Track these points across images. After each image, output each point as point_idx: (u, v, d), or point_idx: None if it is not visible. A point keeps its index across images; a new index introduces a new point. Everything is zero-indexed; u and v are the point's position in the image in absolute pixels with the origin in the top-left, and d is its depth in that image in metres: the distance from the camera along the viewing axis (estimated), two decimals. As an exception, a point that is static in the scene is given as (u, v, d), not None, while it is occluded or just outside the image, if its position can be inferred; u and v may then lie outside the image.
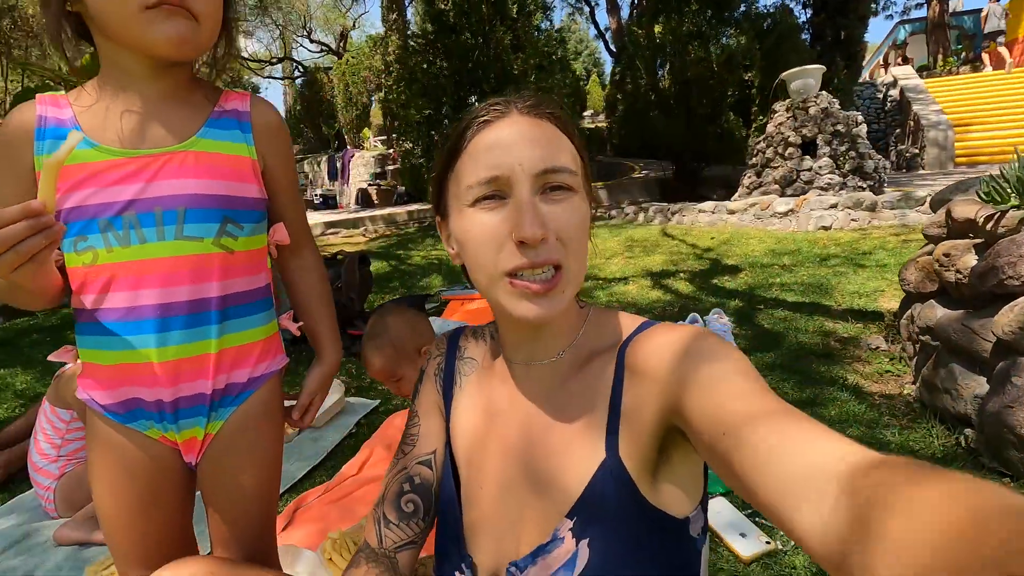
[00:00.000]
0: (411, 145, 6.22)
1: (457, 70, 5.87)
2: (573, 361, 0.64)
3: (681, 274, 3.87)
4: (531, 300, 0.57)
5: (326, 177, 14.90)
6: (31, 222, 0.57)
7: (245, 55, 19.63)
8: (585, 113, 16.54)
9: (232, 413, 0.82)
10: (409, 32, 6.49)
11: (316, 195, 14.06)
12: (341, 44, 19.50)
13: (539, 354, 0.65)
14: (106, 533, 0.83)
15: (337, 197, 13.65)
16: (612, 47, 14.29)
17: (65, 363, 1.09)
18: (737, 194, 6.40)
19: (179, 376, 0.77)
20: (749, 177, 6.26)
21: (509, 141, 0.58)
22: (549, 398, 0.64)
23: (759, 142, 6.28)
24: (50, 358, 0.83)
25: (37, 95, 0.75)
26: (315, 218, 8.90)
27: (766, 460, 0.42)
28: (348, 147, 15.34)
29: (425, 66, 6.01)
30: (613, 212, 6.89)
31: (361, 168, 13.46)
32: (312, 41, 20.25)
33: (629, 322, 0.65)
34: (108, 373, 0.77)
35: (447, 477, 0.70)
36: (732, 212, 5.45)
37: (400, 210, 8.78)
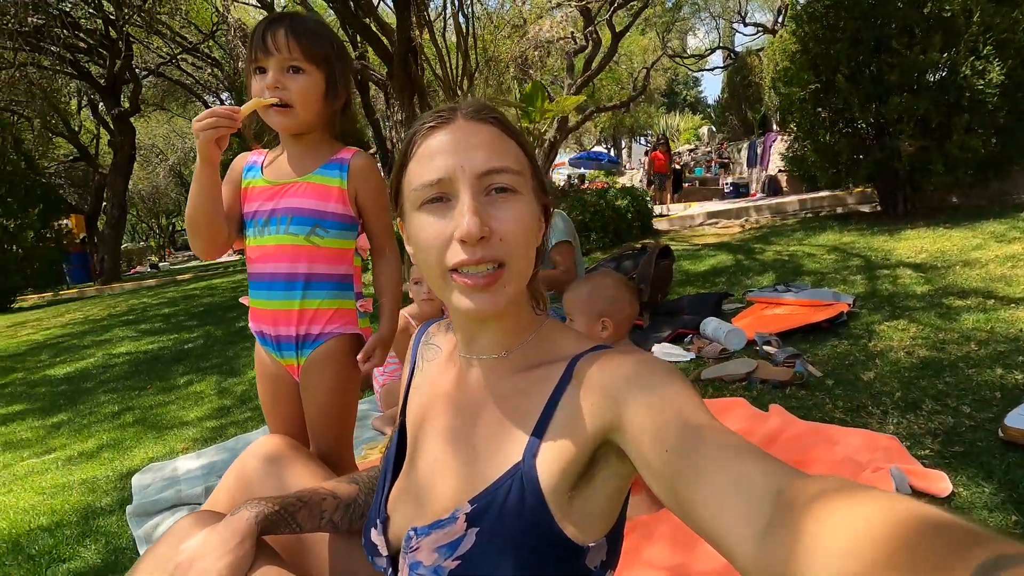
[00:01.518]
0: (794, 126, 5.50)
1: (857, 29, 4.83)
2: (518, 363, 0.68)
3: None
4: (470, 295, 0.61)
5: (745, 164, 14.53)
6: (229, 110, 1.08)
7: (684, 53, 20.72)
8: None
9: (312, 352, 1.23)
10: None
11: (727, 184, 13.92)
12: (778, 21, 18.20)
13: (484, 349, 0.70)
14: (265, 415, 1.36)
15: (752, 184, 13.15)
16: None
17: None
18: None
19: (277, 321, 1.21)
20: None
21: (452, 145, 0.62)
22: (487, 392, 0.69)
23: None
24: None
25: (250, 152, 1.30)
26: (702, 208, 8.94)
27: (704, 473, 0.44)
28: (771, 131, 14.42)
29: (822, 32, 5.18)
30: None
31: (776, 155, 12.52)
32: (747, 24, 19.62)
33: (588, 342, 0.67)
34: (253, 313, 1.27)
35: (391, 446, 0.83)
36: None
37: (792, 199, 7.87)
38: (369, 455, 2.12)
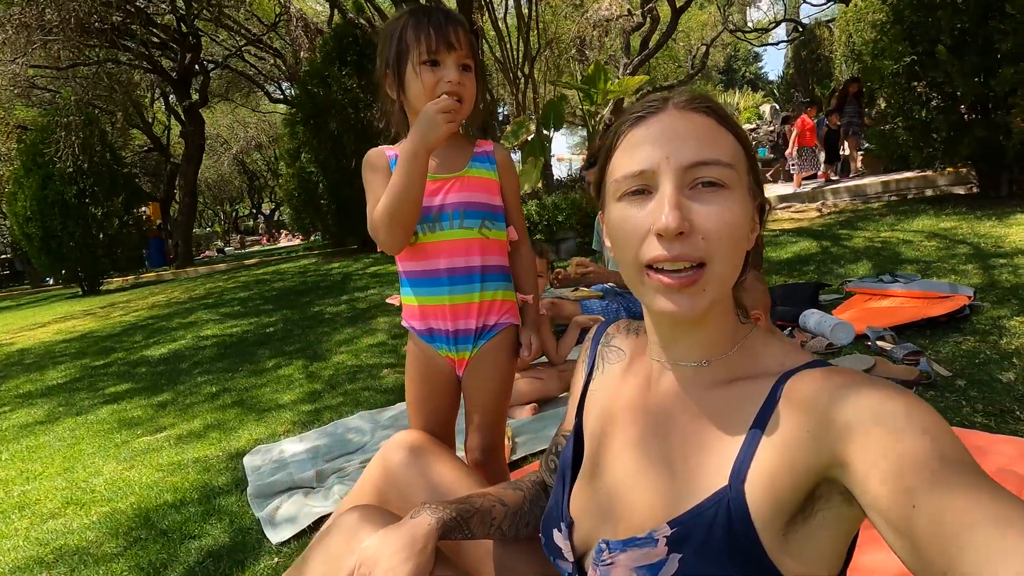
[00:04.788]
0: (884, 103, 5.12)
1: (964, -6, 4.43)
2: (719, 375, 0.63)
3: None
4: (667, 295, 0.58)
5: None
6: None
7: (745, 27, 19.77)
8: None
9: (484, 343, 1.22)
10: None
11: (791, 166, 13.24)
12: (852, -12, 17.00)
13: (681, 356, 0.65)
14: (408, 409, 1.34)
15: (820, 165, 12.47)
16: None
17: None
18: None
19: (457, 315, 1.20)
20: None
21: (660, 135, 0.59)
22: (684, 404, 0.64)
23: None
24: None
25: (382, 147, 1.24)
26: (771, 191, 8.56)
27: (967, 548, 0.38)
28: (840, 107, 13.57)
29: (917, 0, 4.79)
30: None
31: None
32: (816, -6, 18.43)
33: (798, 355, 0.61)
34: (418, 310, 1.23)
35: (568, 447, 0.81)
36: None
37: (873, 180, 7.40)
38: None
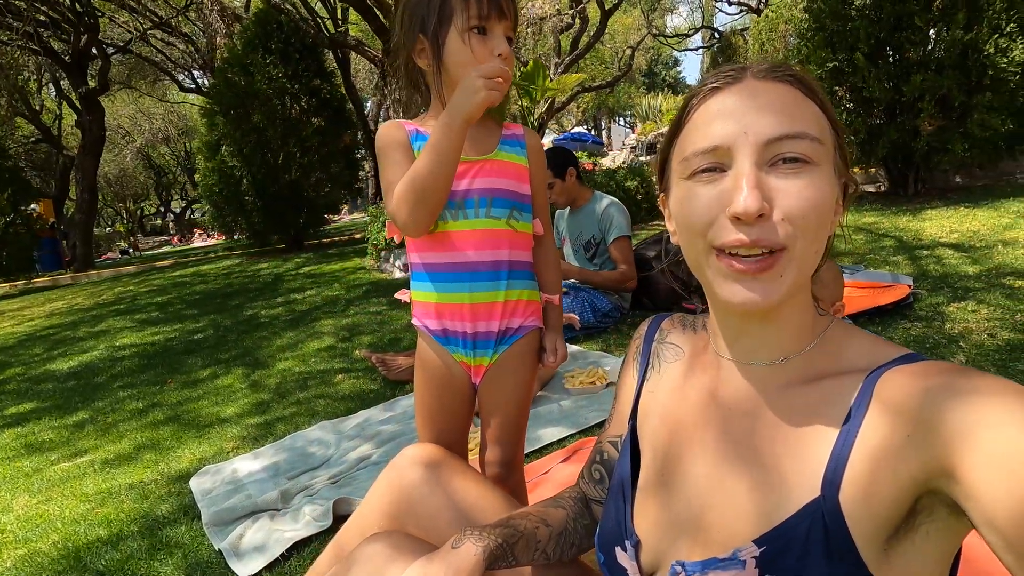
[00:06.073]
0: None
1: (878, 5, 4.78)
2: (799, 373, 0.58)
3: None
4: (740, 282, 0.52)
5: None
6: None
7: (666, 32, 20.59)
8: None
9: (506, 348, 1.08)
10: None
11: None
12: (762, 0, 18.18)
13: (756, 353, 0.60)
14: (417, 419, 1.17)
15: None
16: None
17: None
18: None
19: (478, 315, 1.05)
20: None
21: (737, 107, 0.53)
22: (762, 406, 0.58)
23: None
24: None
25: (399, 120, 1.09)
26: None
27: None
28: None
29: (840, 8, 5.12)
30: None
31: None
32: (731, 3, 19.56)
33: (887, 348, 0.55)
34: (433, 308, 1.07)
35: (624, 456, 0.73)
36: None
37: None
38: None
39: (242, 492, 1.84)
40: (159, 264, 11.11)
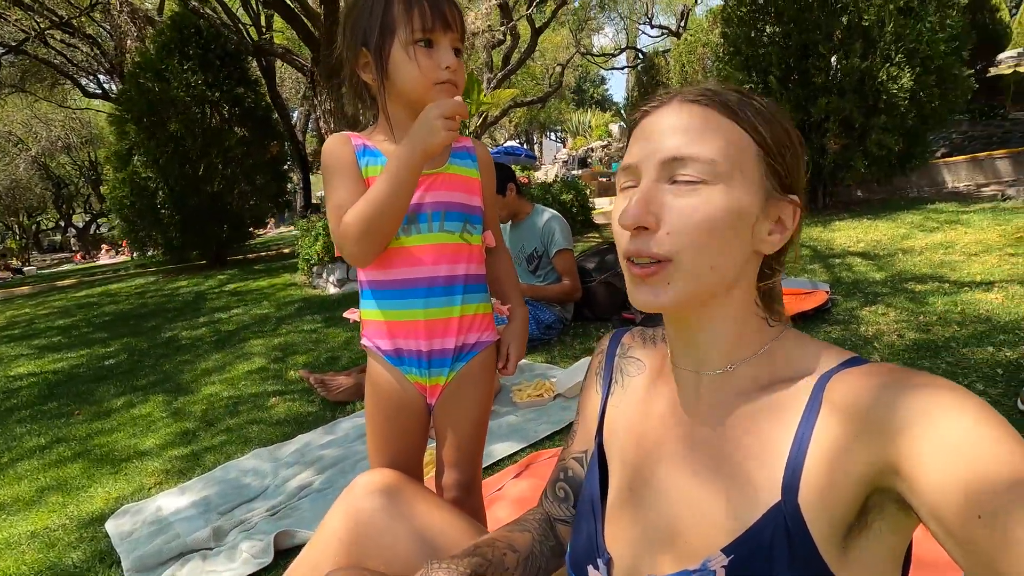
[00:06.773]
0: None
1: (787, 34, 5.19)
2: (748, 380, 0.60)
3: (1096, 283, 2.67)
4: (637, 285, 0.58)
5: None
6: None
7: (593, 52, 21.36)
8: (1004, 55, 12.19)
9: (463, 366, 1.05)
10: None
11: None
12: (681, 24, 19.29)
13: (705, 363, 0.61)
14: (369, 444, 1.11)
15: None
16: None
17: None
18: None
19: (433, 332, 1.02)
20: None
21: (655, 129, 0.58)
22: (721, 415, 0.60)
23: None
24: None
25: (346, 133, 1.03)
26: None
27: None
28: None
29: (752, 35, 5.51)
30: (1010, 191, 5.08)
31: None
32: (653, 26, 20.62)
33: (835, 353, 0.57)
34: (385, 327, 1.03)
35: (592, 473, 0.73)
36: None
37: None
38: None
39: (168, 532, 1.69)
40: (60, 284, 10.14)
